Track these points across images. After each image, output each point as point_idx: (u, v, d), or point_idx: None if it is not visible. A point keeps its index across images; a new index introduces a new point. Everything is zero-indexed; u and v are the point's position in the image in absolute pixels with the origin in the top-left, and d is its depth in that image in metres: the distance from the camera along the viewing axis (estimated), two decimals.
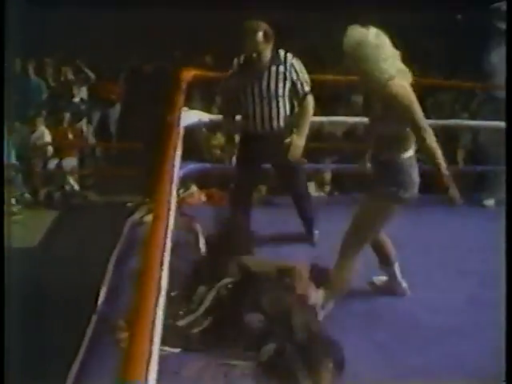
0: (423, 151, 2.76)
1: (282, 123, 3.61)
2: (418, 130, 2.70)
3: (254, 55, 3.53)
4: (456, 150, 6.18)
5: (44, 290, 4.13)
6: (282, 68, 3.54)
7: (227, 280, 2.78)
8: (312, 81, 3.68)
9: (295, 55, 3.64)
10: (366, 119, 3.08)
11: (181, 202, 4.32)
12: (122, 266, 3.48)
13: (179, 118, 3.36)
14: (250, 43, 3.49)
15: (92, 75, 8.65)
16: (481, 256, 3.69)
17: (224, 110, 3.85)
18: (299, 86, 3.58)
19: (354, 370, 2.48)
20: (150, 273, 1.44)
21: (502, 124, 4.71)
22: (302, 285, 2.92)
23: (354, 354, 2.53)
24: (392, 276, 3.21)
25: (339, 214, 4.01)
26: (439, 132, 6.53)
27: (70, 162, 7.58)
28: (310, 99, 3.63)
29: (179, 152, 3.02)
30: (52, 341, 3.34)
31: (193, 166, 4.18)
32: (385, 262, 3.17)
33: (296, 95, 3.61)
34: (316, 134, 6.47)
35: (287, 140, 3.56)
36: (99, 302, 3.05)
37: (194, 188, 4.70)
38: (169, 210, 1.96)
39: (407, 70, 2.77)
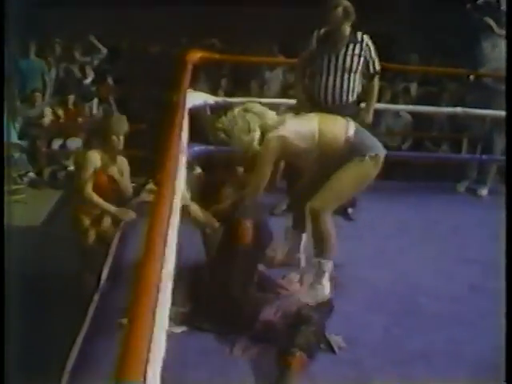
0: None
1: (352, 97, 3.85)
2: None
3: (335, 30, 3.75)
4: (461, 138, 6.21)
5: (46, 267, 4.14)
6: (358, 46, 3.78)
7: None
8: None
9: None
10: None
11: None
12: (125, 246, 3.49)
13: (185, 99, 3.34)
14: (331, 17, 3.71)
15: (104, 49, 8.66)
16: (479, 244, 3.73)
17: (299, 90, 4.03)
18: (371, 64, 3.84)
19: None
20: (152, 254, 1.42)
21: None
22: None
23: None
24: (294, 247, 3.24)
25: None
26: (445, 120, 6.59)
27: (75, 142, 7.56)
28: (377, 79, 3.94)
29: (185, 133, 3.01)
30: (53, 320, 3.35)
31: (197, 148, 4.17)
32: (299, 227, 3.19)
33: (367, 73, 3.87)
34: None
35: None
36: (101, 281, 3.06)
37: (198, 170, 4.68)
38: (173, 190, 1.95)
39: None
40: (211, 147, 4.29)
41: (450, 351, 2.65)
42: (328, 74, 3.80)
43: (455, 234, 3.91)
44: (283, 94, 7.33)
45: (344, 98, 3.83)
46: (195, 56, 4.06)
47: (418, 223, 4.05)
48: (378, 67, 3.86)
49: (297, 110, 3.81)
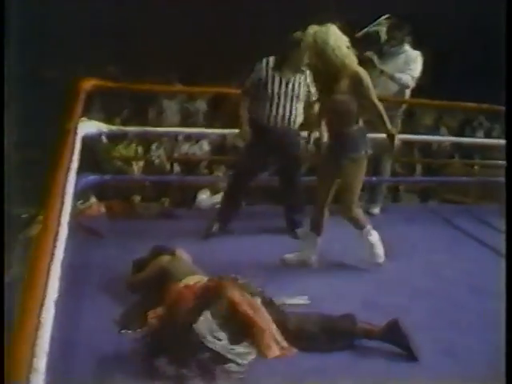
0: (375, 118, 3.59)
1: (296, 124, 4.16)
2: (372, 103, 3.52)
3: (291, 59, 4.00)
4: None
5: None
6: (303, 77, 4.11)
7: None
8: None
9: None
10: None
11: (80, 213, 4.23)
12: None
13: (76, 128, 3.30)
14: (299, 55, 3.89)
15: None
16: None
17: (243, 119, 4.18)
18: (312, 93, 4.13)
19: None
20: (34, 283, 1.41)
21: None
22: None
23: None
24: (310, 249, 3.84)
25: None
26: None
27: None
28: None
29: (75, 162, 2.97)
30: None
31: (92, 177, 4.12)
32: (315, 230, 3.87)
33: (308, 100, 4.17)
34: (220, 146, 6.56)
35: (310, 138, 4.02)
36: None
37: (93, 199, 4.61)
38: (59, 221, 1.92)
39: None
40: (106, 176, 4.25)
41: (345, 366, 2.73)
42: (278, 101, 4.06)
43: (346, 252, 4.05)
44: (183, 122, 7.38)
45: (290, 124, 4.13)
46: (88, 84, 4.01)
47: None
48: (316, 96, 4.08)
49: (239, 138, 4.01)
